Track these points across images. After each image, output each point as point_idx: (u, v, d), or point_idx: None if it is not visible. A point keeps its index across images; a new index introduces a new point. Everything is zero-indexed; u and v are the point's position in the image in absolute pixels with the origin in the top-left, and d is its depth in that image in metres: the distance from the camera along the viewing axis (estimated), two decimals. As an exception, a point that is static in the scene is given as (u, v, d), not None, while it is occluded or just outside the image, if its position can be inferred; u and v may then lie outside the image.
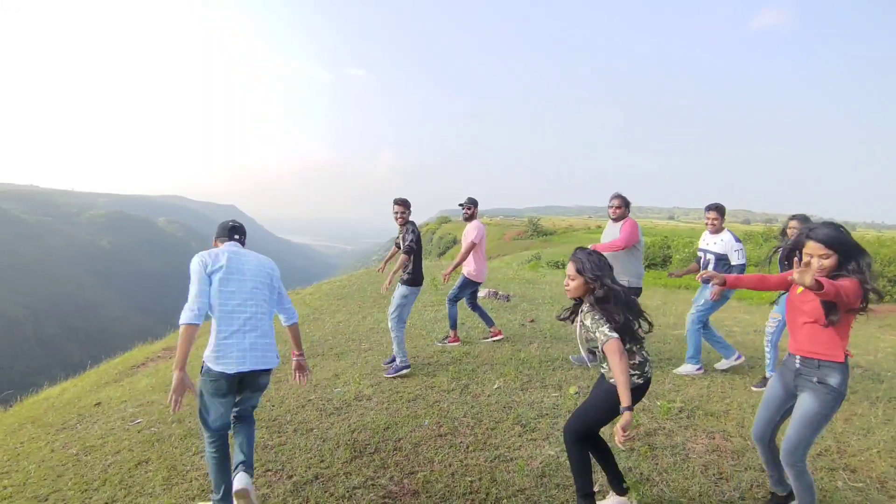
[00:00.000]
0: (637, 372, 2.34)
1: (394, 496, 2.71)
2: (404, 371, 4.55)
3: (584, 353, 2.47)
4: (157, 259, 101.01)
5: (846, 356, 2.23)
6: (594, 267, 2.33)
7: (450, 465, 3.00)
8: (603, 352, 2.25)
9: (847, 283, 2.04)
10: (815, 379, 2.25)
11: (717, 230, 4.75)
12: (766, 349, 4.42)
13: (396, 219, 4.74)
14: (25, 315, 61.38)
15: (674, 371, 4.73)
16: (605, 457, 2.57)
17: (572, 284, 2.38)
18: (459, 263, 5.32)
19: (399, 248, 4.78)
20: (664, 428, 3.51)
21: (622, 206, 4.74)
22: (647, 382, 2.42)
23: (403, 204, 4.69)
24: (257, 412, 3.80)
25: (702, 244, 4.88)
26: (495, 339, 5.62)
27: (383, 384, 4.33)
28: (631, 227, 4.63)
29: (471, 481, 2.83)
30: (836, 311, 2.13)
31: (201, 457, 3.19)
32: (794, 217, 4.16)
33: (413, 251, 4.62)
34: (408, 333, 5.94)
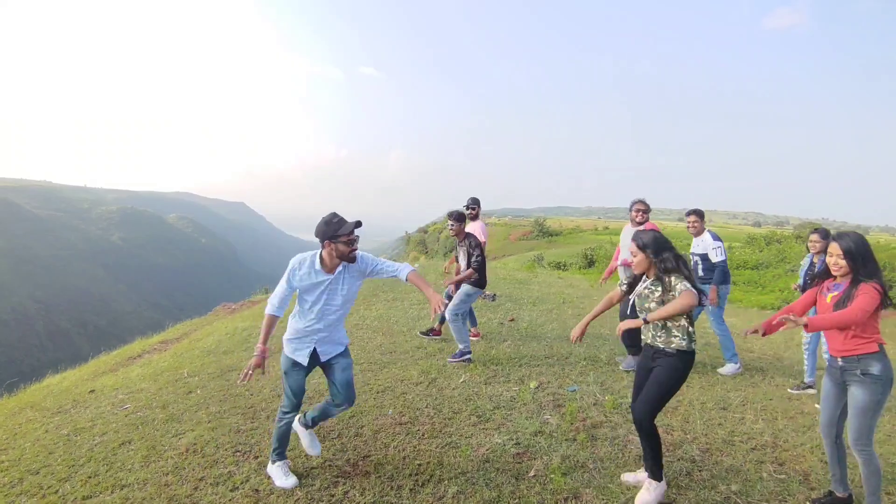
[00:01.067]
0: (690, 339, 2.69)
1: (346, 475, 2.98)
2: (467, 357, 4.90)
3: (641, 316, 2.76)
4: (167, 255, 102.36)
5: (881, 345, 2.56)
6: (654, 243, 2.71)
7: (403, 450, 3.27)
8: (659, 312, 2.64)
9: (861, 298, 2.44)
10: (858, 372, 2.56)
11: (698, 232, 5.06)
12: (805, 357, 4.72)
13: (450, 231, 5.15)
14: (37, 309, 62.46)
15: (719, 371, 5.03)
16: None
17: (636, 260, 2.76)
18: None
19: (461, 259, 5.13)
20: (610, 421, 3.76)
21: (647, 212, 4.99)
22: (694, 354, 2.75)
23: (457, 219, 5.06)
24: (231, 400, 4.12)
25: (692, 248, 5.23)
26: (472, 339, 5.87)
27: (357, 377, 4.59)
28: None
29: (419, 464, 3.09)
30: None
31: (179, 438, 3.49)
32: (815, 231, 4.49)
33: (480, 266, 4.96)
34: (388, 329, 6.24)
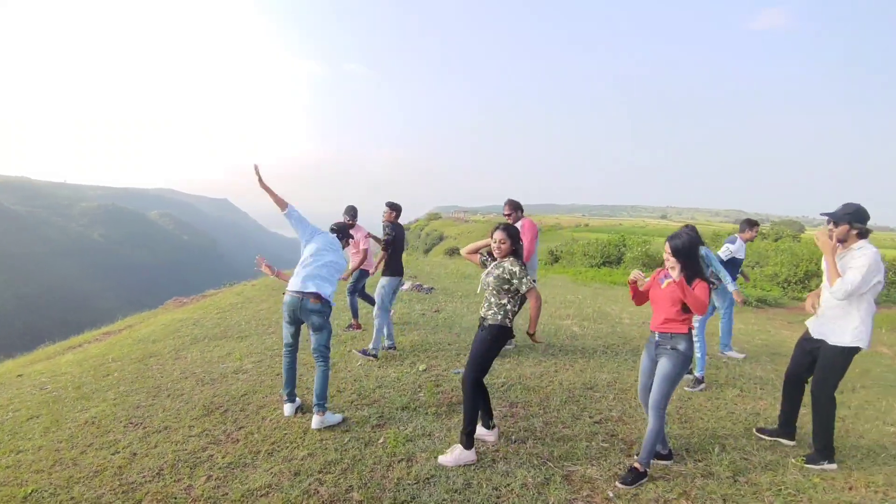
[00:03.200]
0: (505, 316, 3.24)
1: (218, 442, 3.42)
2: (371, 358, 5.08)
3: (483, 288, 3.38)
4: (149, 252, 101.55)
5: (690, 329, 3.14)
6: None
7: (277, 422, 3.71)
8: (515, 295, 3.25)
9: (701, 293, 3.00)
10: (669, 346, 3.13)
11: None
12: (696, 346, 4.85)
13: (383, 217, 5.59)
14: (16, 307, 61.84)
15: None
16: (486, 398, 3.44)
17: (504, 247, 3.26)
18: (357, 268, 6.04)
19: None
20: (477, 398, 4.22)
21: (512, 212, 5.32)
22: (507, 329, 3.28)
23: (392, 207, 5.51)
24: (142, 381, 4.52)
25: (741, 255, 5.65)
26: (355, 330, 6.26)
27: (264, 361, 5.04)
28: (528, 230, 5.18)
29: (284, 434, 3.53)
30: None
31: (83, 413, 3.90)
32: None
33: (389, 246, 5.37)
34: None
